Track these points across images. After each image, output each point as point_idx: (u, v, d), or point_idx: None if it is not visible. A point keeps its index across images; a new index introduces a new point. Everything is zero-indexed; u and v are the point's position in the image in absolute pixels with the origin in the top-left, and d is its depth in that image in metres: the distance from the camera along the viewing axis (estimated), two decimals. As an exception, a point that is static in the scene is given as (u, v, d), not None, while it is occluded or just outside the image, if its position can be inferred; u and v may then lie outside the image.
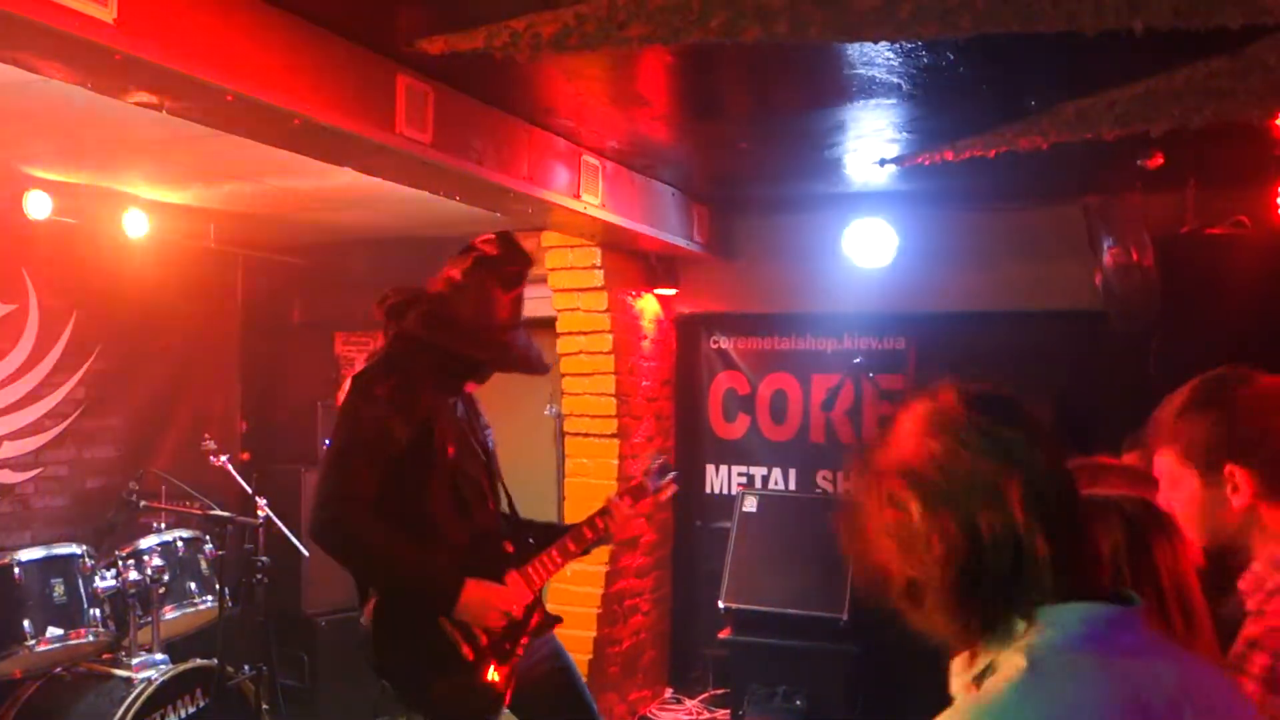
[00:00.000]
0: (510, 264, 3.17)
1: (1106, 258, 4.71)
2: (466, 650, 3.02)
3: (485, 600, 3.00)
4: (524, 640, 3.14)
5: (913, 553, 1.24)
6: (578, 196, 4.55)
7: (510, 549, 3.21)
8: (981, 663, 1.21)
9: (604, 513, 3.33)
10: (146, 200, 5.14)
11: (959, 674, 1.25)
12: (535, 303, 4.22)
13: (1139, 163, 4.42)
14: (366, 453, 3.00)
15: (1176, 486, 1.89)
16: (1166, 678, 1.18)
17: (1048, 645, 1.16)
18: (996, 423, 1.24)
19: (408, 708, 3.11)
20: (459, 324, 3.10)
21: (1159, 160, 4.38)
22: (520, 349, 3.21)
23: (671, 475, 3.56)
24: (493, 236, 3.21)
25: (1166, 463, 1.92)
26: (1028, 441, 1.23)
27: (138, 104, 2.95)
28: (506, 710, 3.30)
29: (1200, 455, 1.86)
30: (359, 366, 3.22)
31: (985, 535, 1.19)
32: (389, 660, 3.05)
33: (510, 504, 3.42)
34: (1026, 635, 1.18)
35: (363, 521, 2.96)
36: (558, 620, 3.32)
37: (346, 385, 3.12)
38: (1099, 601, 1.20)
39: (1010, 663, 1.17)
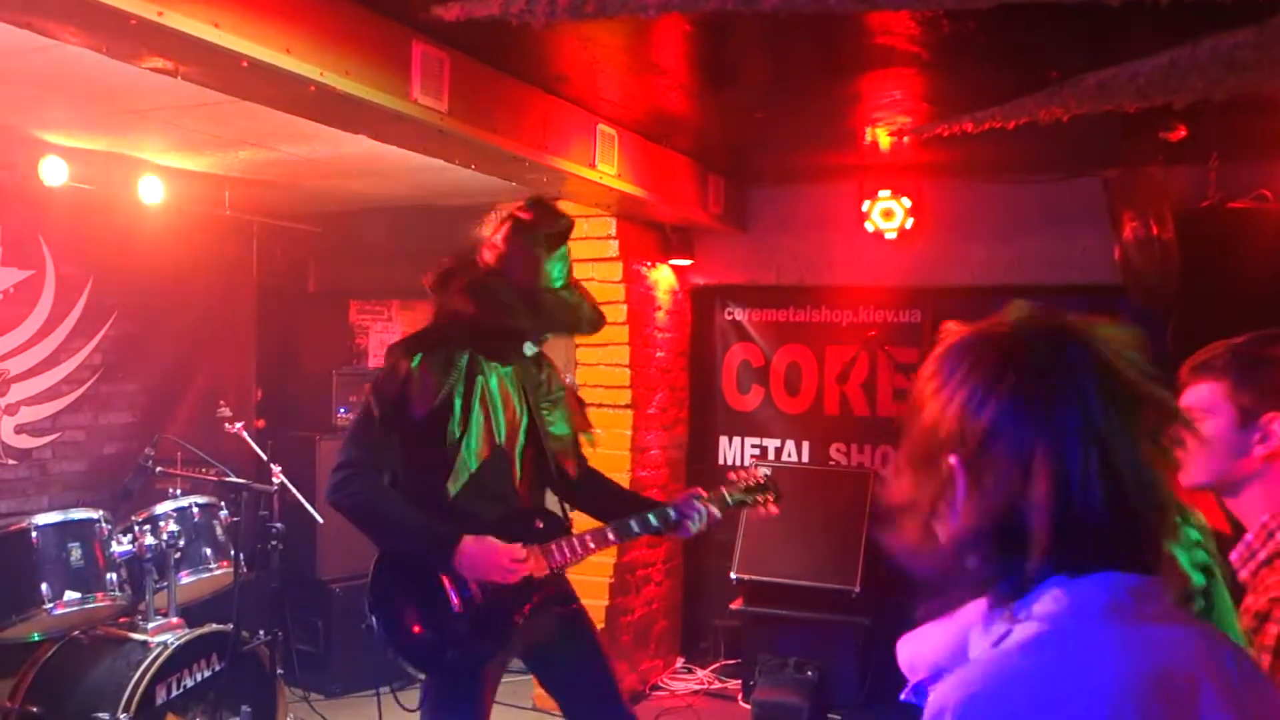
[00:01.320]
0: (548, 226, 3.16)
1: (1126, 231, 4.67)
2: (456, 601, 3.03)
3: (484, 553, 2.99)
4: (525, 609, 3.10)
5: (940, 505, 1.22)
6: (593, 166, 4.52)
7: (540, 525, 3.20)
8: (999, 630, 1.20)
9: (698, 499, 3.27)
10: (162, 167, 5.14)
11: (977, 643, 1.25)
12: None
13: (1160, 135, 4.37)
14: (383, 421, 3.06)
15: (1206, 418, 1.86)
16: (1185, 646, 1.16)
17: (1067, 612, 1.15)
18: (1041, 370, 1.19)
19: (390, 648, 3.08)
20: (508, 291, 3.10)
21: (1181, 133, 4.33)
22: (571, 309, 3.21)
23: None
24: (527, 201, 3.22)
25: (1206, 394, 1.89)
26: (1073, 394, 1.17)
27: (152, 69, 2.94)
28: (527, 668, 3.32)
29: (1248, 395, 1.85)
30: (391, 337, 3.23)
31: (1011, 493, 1.16)
32: (380, 598, 3.08)
33: (568, 474, 3.33)
34: (1046, 604, 1.16)
35: (365, 483, 3.03)
36: (571, 599, 3.27)
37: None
38: (1126, 568, 1.17)
39: (1025, 629, 1.16)
